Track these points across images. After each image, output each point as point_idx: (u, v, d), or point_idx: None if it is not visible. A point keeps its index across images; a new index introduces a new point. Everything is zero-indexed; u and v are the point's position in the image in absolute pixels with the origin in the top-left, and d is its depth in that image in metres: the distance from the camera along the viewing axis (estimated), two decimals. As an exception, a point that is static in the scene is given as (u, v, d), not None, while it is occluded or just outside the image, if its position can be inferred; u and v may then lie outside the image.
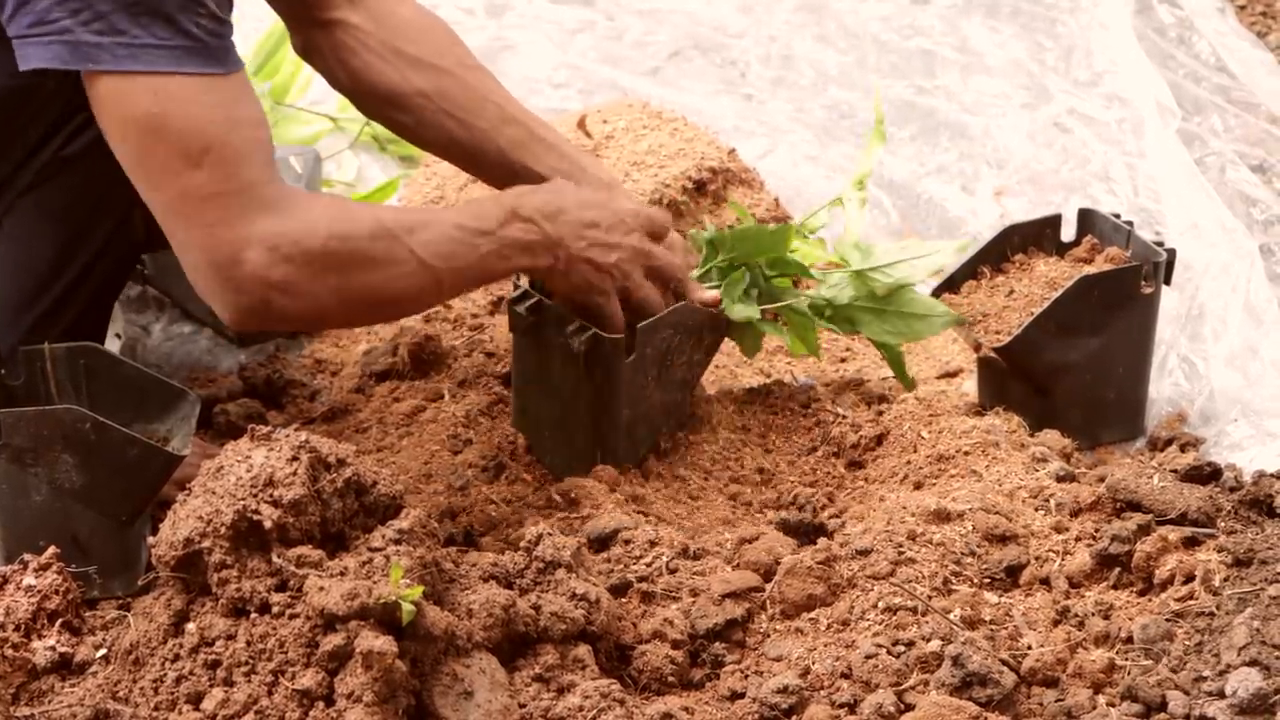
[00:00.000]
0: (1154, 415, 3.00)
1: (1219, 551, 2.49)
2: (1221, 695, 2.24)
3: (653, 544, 2.49)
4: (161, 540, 2.26)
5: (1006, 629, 2.40)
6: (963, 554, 2.48)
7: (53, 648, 2.32)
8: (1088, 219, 3.01)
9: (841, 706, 2.28)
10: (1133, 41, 4.20)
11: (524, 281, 2.74)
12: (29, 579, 2.37)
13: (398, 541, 2.22)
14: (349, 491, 2.27)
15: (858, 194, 2.91)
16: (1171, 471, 2.69)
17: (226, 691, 2.19)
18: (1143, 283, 2.86)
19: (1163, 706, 2.27)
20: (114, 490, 2.42)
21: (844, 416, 2.88)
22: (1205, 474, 2.70)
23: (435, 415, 2.90)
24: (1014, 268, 2.99)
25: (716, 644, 2.39)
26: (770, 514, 2.69)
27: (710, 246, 2.80)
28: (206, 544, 2.21)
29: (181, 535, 2.23)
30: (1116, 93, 4.07)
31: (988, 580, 2.48)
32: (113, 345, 2.99)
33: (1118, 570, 2.50)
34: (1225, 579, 2.44)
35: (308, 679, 2.15)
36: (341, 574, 2.19)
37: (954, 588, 2.43)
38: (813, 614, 2.42)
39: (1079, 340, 2.85)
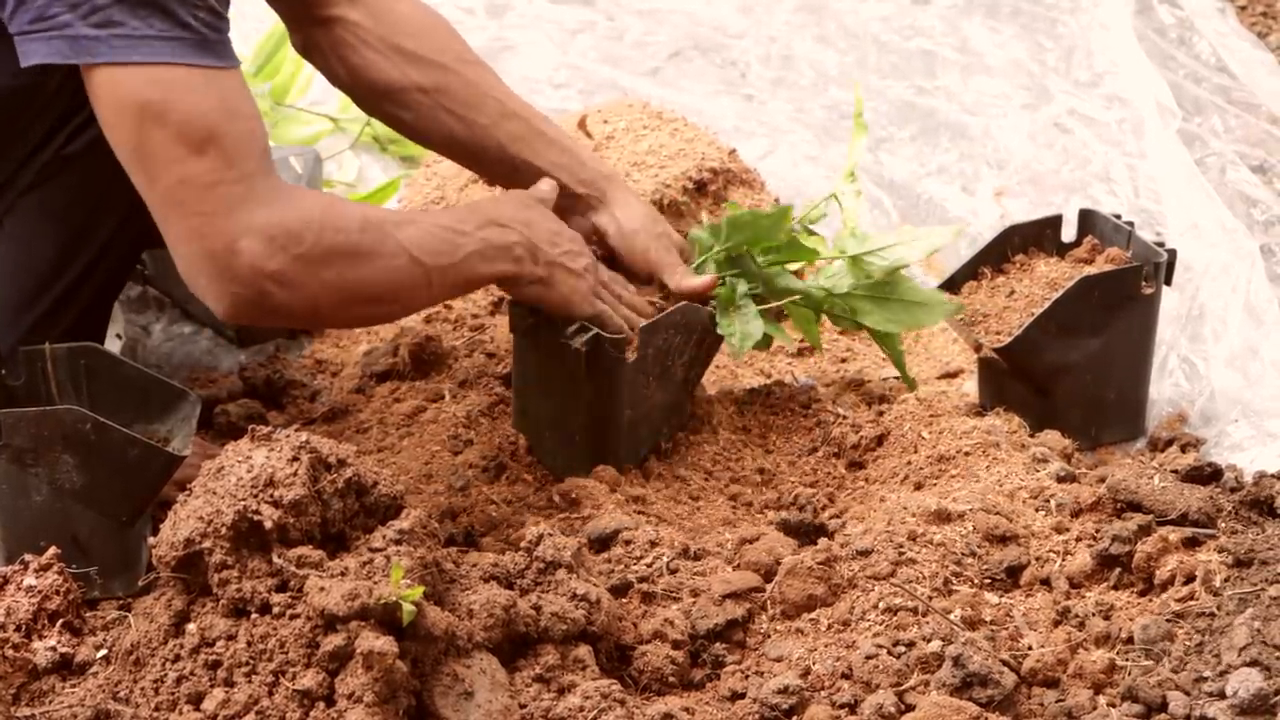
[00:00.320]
0: (1154, 416, 3.00)
1: (1219, 552, 2.49)
2: (1222, 696, 2.24)
3: (653, 544, 2.49)
4: (162, 541, 2.26)
5: (1007, 629, 2.40)
6: (963, 554, 2.48)
7: (53, 648, 2.32)
8: (1088, 219, 3.01)
9: (842, 707, 2.28)
10: (1133, 42, 4.20)
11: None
12: (30, 579, 2.37)
13: (398, 542, 2.22)
14: (349, 492, 2.27)
15: (851, 187, 2.90)
16: (1172, 472, 2.69)
17: (227, 692, 2.19)
18: (1143, 283, 2.86)
19: (1163, 707, 2.27)
20: (114, 491, 2.42)
21: (844, 417, 2.88)
22: (1206, 474, 2.70)
23: (436, 416, 2.91)
24: (1014, 268, 2.99)
25: (717, 644, 2.39)
26: (771, 514, 2.69)
27: (707, 236, 2.81)
28: (207, 544, 2.21)
29: (182, 535, 2.23)
30: (1117, 93, 4.07)
31: (988, 581, 2.48)
32: (113, 345, 2.99)
33: (1118, 571, 2.50)
34: (1226, 579, 2.44)
35: (308, 679, 2.15)
36: (342, 574, 2.19)
37: (954, 588, 2.43)
38: (813, 614, 2.42)
39: (1079, 341, 2.85)
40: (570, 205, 2.82)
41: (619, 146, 3.33)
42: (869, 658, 2.31)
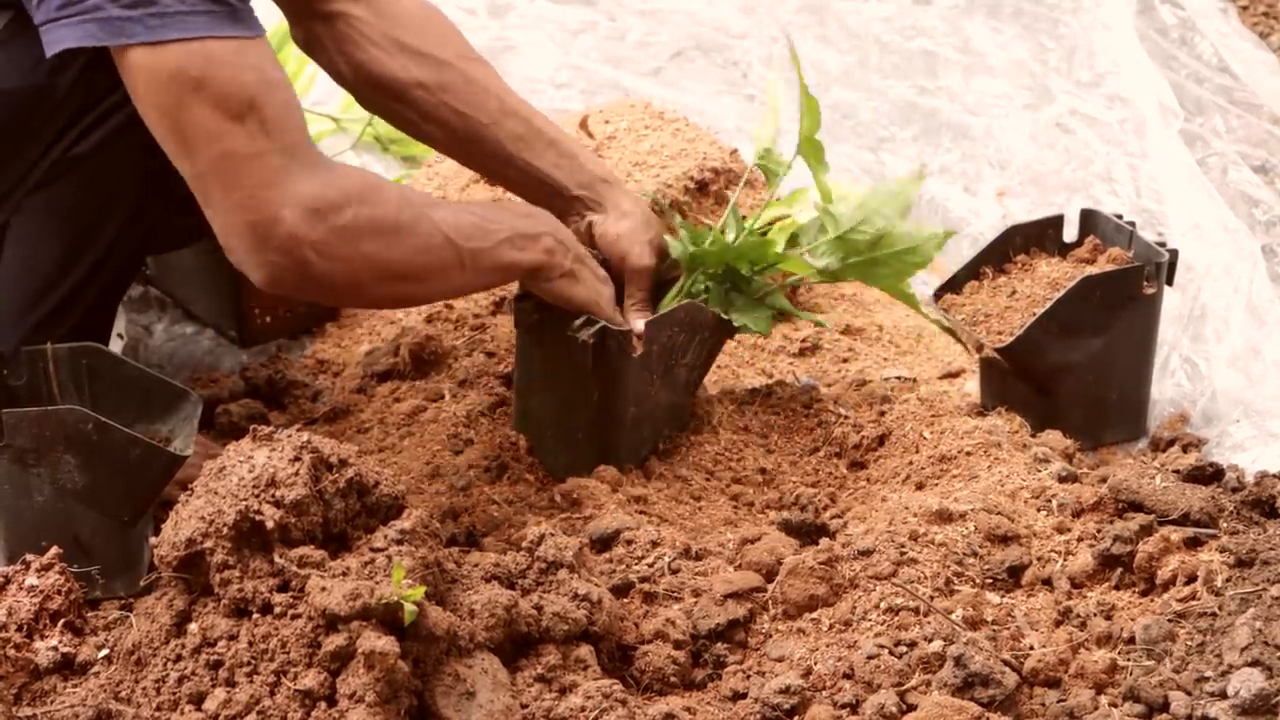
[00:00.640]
0: (1156, 416, 3.00)
1: (1221, 552, 2.49)
2: (1224, 696, 2.24)
3: (655, 544, 2.49)
4: (164, 540, 2.26)
5: (1008, 629, 2.39)
6: (965, 554, 2.48)
7: (55, 648, 2.32)
8: (1090, 220, 3.01)
9: (843, 707, 2.28)
10: (1135, 42, 4.20)
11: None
12: (31, 579, 2.37)
13: (400, 542, 2.22)
14: (351, 492, 2.27)
15: (812, 149, 2.85)
16: (1174, 472, 2.69)
17: (229, 692, 2.19)
18: (1145, 283, 2.85)
19: (1165, 707, 2.27)
20: (116, 491, 2.42)
21: (846, 417, 2.88)
22: (1207, 474, 2.70)
23: (436, 415, 2.91)
24: (1016, 268, 2.99)
25: (718, 644, 2.39)
26: (772, 514, 2.69)
27: (692, 261, 2.79)
28: (209, 544, 2.21)
29: (184, 535, 2.23)
30: (1119, 93, 4.07)
31: (990, 581, 2.48)
32: (115, 345, 2.98)
33: (1120, 571, 2.49)
34: (1227, 579, 2.44)
35: (310, 679, 2.15)
36: (343, 574, 2.19)
37: (956, 588, 2.43)
38: (815, 614, 2.42)
39: (1081, 341, 2.85)
40: (566, 207, 2.83)
41: (621, 147, 3.33)
42: (870, 658, 2.31)
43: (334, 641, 2.14)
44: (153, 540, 2.31)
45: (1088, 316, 2.83)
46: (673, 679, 2.35)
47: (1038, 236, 3.02)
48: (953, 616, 2.37)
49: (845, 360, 3.18)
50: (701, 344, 2.78)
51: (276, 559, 2.20)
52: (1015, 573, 2.49)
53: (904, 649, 2.33)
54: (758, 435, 2.87)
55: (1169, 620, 2.39)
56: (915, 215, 3.65)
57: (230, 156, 2.35)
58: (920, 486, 2.69)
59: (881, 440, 2.82)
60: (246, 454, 2.27)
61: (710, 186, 3.28)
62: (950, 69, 4.22)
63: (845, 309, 3.28)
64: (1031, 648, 2.37)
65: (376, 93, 2.82)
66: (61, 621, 2.36)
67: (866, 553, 2.46)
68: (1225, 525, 2.56)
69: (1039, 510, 2.60)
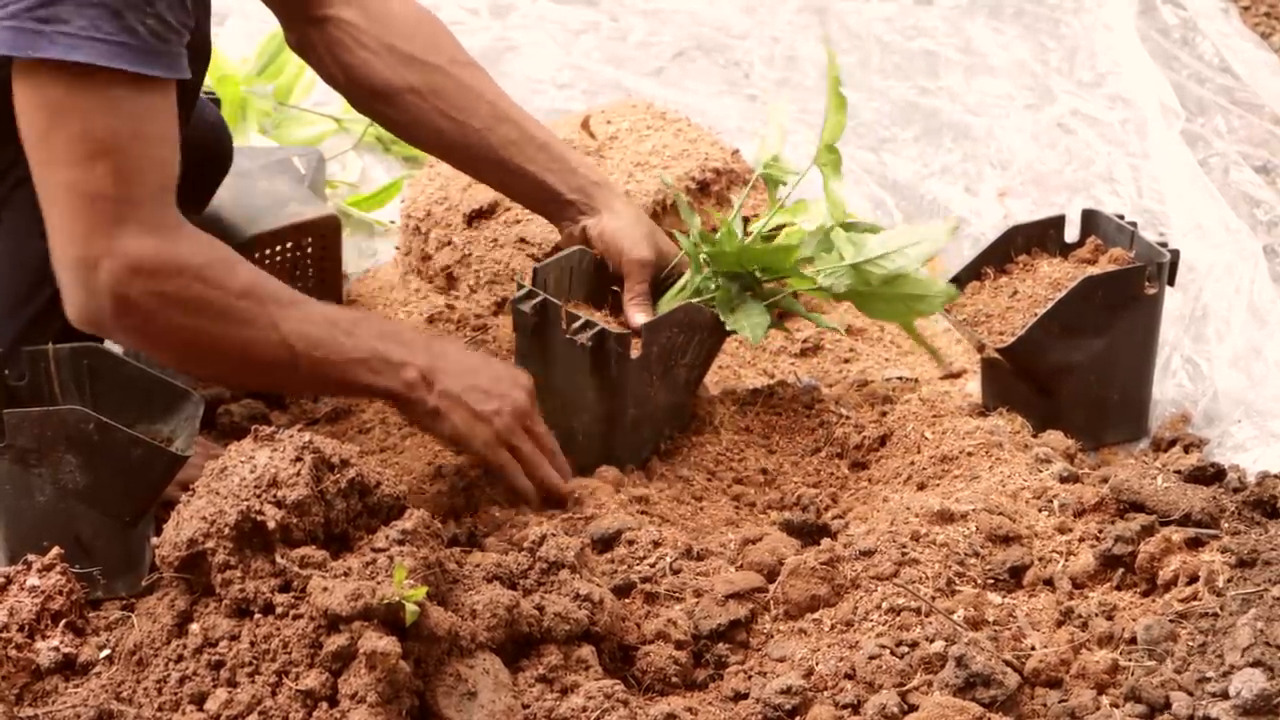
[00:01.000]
0: (1157, 416, 3.00)
1: (1222, 552, 2.49)
2: (1225, 696, 2.24)
3: (656, 544, 2.49)
4: (165, 541, 2.26)
5: (1010, 630, 2.39)
6: (966, 555, 2.48)
7: (56, 648, 2.32)
8: (1091, 220, 3.01)
9: (845, 707, 2.28)
10: (1136, 42, 4.20)
11: (527, 281, 2.74)
12: (33, 579, 2.37)
13: (401, 542, 2.22)
14: (352, 492, 2.27)
15: (831, 158, 2.86)
16: (1175, 472, 2.69)
17: (230, 692, 2.19)
18: (1146, 283, 2.86)
19: (1166, 707, 2.27)
20: (117, 491, 2.42)
21: (847, 417, 2.88)
22: (1209, 475, 2.70)
23: (439, 416, 2.90)
24: (1018, 268, 2.99)
25: (720, 644, 2.39)
26: (774, 515, 2.69)
27: (705, 260, 2.79)
28: (210, 544, 2.21)
29: (185, 536, 2.23)
30: (1120, 94, 4.07)
31: (991, 581, 2.48)
32: (115, 345, 2.98)
33: (1121, 571, 2.49)
34: (1229, 580, 2.44)
35: (311, 679, 2.15)
36: (345, 574, 2.19)
37: (957, 588, 2.43)
38: (816, 615, 2.42)
39: (1083, 341, 2.85)
40: (560, 211, 2.83)
41: (622, 147, 3.33)
42: (872, 658, 2.31)
43: (335, 642, 2.14)
44: (154, 540, 2.32)
45: (1089, 317, 2.83)
46: (674, 679, 2.35)
47: (1039, 237, 3.02)
48: (954, 617, 2.37)
49: (847, 361, 3.18)
50: (700, 344, 2.78)
51: (278, 559, 2.20)
52: (1017, 573, 2.49)
53: (905, 649, 2.33)
54: (759, 435, 2.87)
55: (1170, 621, 2.39)
56: (918, 216, 3.66)
57: (73, 189, 2.35)
58: (922, 487, 2.69)
59: (883, 440, 2.82)
60: (248, 454, 2.27)
61: (712, 187, 3.28)
62: (951, 69, 4.23)
63: (847, 309, 3.28)
64: (1033, 648, 2.36)
65: (369, 97, 2.82)
66: (63, 622, 2.36)
67: (868, 553, 2.46)
68: (1227, 526, 2.56)
69: (1040, 510, 2.60)
